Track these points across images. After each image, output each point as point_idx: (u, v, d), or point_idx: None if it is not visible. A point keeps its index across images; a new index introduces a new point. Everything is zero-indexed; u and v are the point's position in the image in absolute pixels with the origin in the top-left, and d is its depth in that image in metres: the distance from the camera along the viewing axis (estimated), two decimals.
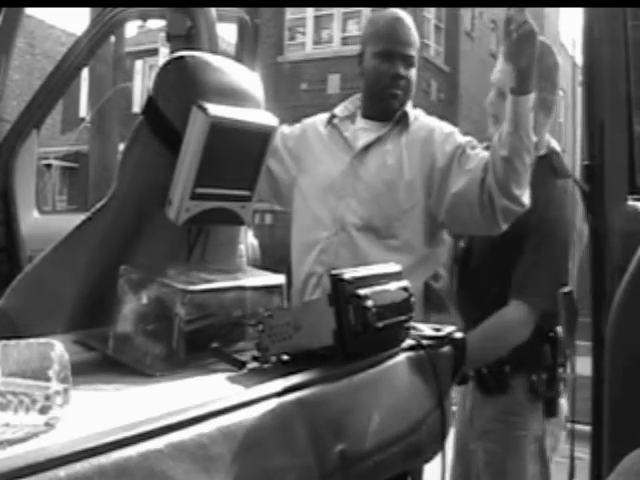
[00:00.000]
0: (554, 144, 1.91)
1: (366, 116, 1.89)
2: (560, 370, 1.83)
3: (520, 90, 1.58)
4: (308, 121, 1.98)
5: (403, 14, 1.85)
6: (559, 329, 1.81)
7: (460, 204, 1.73)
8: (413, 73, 1.84)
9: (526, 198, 1.66)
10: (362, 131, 1.86)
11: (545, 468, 1.85)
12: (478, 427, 1.91)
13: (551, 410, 1.83)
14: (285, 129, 1.99)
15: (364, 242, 1.78)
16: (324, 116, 1.95)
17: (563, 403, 1.86)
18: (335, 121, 1.91)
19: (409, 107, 1.86)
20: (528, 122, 1.60)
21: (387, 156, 1.81)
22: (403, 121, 1.84)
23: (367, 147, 1.84)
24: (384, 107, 1.85)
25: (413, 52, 1.82)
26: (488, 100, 1.91)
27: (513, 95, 1.59)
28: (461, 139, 1.80)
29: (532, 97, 1.59)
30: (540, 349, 1.81)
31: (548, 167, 1.84)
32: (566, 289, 1.84)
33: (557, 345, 1.82)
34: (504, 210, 1.66)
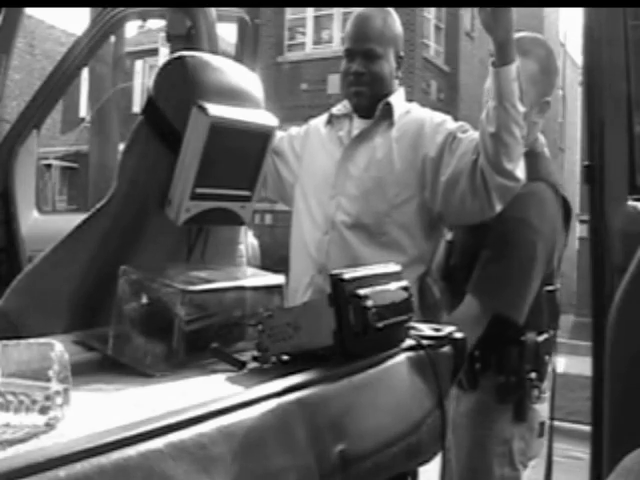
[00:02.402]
0: (540, 145, 1.89)
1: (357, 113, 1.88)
2: (532, 375, 1.80)
3: (500, 61, 1.55)
4: (313, 121, 1.99)
5: (378, 11, 1.83)
6: (530, 335, 1.79)
7: (452, 191, 1.70)
8: (381, 67, 1.81)
9: (520, 172, 1.62)
10: (355, 129, 1.86)
11: (515, 471, 1.82)
12: (453, 421, 1.90)
13: (519, 414, 1.80)
14: (293, 130, 2.00)
15: (354, 240, 1.77)
16: (324, 118, 1.95)
17: (537, 409, 1.83)
18: (333, 120, 1.91)
19: (395, 99, 1.84)
20: (512, 93, 1.55)
21: (376, 151, 1.80)
22: (388, 113, 1.82)
23: (355, 142, 1.83)
24: (353, 105, 1.85)
25: (374, 46, 1.79)
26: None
27: (494, 67, 1.56)
28: (452, 126, 1.77)
29: (514, 68, 1.55)
30: (507, 352, 1.78)
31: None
32: (550, 287, 1.83)
33: (525, 350, 1.80)
34: (499, 188, 1.62)
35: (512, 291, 1.76)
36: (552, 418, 1.78)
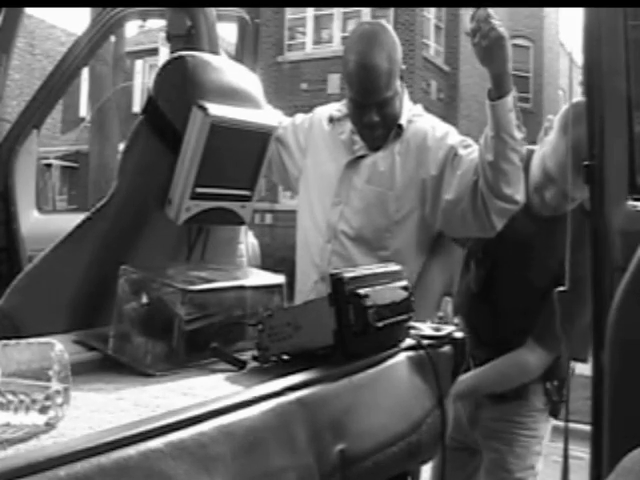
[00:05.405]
0: None
1: None
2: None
3: (497, 94, 1.57)
4: (317, 113, 1.96)
5: (378, 47, 1.70)
6: None
7: (453, 209, 1.71)
8: (393, 105, 1.76)
9: (519, 196, 1.64)
10: (357, 135, 1.84)
11: (537, 466, 1.90)
12: (485, 427, 1.92)
13: (554, 412, 1.88)
14: (297, 119, 1.98)
15: (356, 253, 1.78)
16: (328, 112, 1.93)
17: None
18: (334, 122, 1.90)
19: (404, 117, 1.81)
20: (509, 123, 1.57)
21: (379, 164, 1.79)
22: (398, 134, 1.80)
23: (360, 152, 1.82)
24: (368, 144, 1.82)
25: (386, 93, 1.72)
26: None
27: (490, 100, 1.57)
28: (454, 140, 1.77)
29: (510, 99, 1.57)
30: (559, 361, 1.82)
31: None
32: (561, 288, 1.81)
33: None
34: (498, 211, 1.65)
35: (581, 336, 1.68)
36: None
